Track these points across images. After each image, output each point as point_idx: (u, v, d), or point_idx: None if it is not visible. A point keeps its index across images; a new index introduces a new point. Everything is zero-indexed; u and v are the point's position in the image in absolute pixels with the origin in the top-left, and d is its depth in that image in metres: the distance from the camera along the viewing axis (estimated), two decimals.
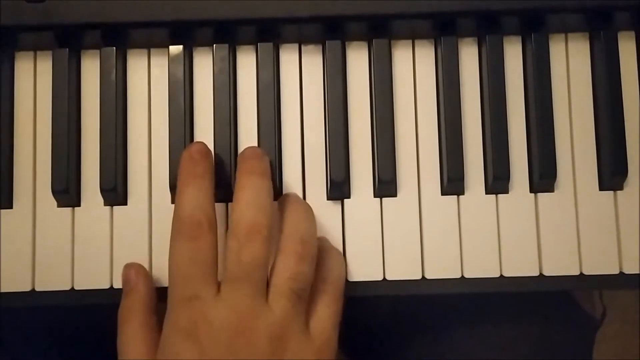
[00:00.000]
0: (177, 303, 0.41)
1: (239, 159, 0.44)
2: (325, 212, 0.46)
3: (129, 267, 0.45)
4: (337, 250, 0.45)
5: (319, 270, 0.43)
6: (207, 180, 0.43)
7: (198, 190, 0.42)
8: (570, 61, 0.47)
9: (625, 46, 0.47)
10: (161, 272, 0.46)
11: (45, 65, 0.47)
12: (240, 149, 0.46)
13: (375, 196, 0.46)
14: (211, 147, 0.46)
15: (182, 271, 0.41)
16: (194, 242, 0.41)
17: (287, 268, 0.41)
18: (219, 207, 0.46)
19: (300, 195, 0.47)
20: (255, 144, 0.46)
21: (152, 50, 0.48)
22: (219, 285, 0.41)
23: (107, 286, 0.46)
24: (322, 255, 0.44)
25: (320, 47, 0.48)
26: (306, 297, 0.42)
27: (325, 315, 0.42)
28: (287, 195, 0.45)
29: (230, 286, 0.41)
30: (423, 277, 0.46)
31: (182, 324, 0.40)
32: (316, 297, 0.43)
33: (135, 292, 0.44)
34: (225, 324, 0.40)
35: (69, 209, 0.46)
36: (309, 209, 0.44)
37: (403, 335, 0.57)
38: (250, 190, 0.41)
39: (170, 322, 0.41)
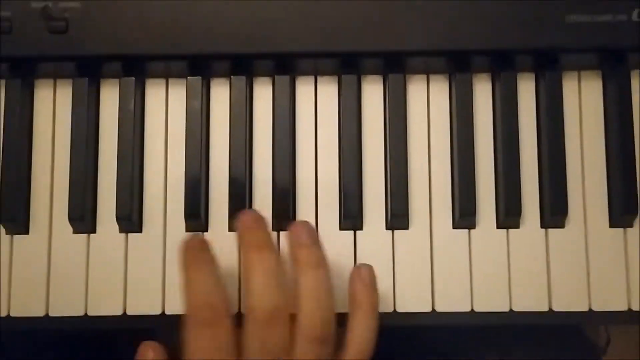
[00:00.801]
0: None
1: (236, 225, 0.42)
2: (337, 242, 0.47)
3: (146, 347, 0.43)
4: (366, 315, 0.43)
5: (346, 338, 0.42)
6: (212, 262, 0.41)
7: (207, 274, 0.41)
8: (583, 99, 0.48)
9: (638, 85, 0.48)
10: (175, 301, 0.46)
11: (64, 93, 0.48)
12: (256, 179, 0.47)
13: (387, 228, 0.47)
14: (226, 176, 0.47)
15: (200, 358, 0.40)
16: (211, 330, 0.40)
17: (309, 354, 0.40)
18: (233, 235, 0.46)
19: (313, 219, 0.47)
20: (270, 175, 0.47)
21: (170, 81, 0.48)
22: None
23: (120, 313, 0.46)
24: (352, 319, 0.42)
25: (336, 78, 0.48)
26: None
27: None
28: (298, 242, 0.42)
29: None
30: (433, 309, 0.46)
31: None
32: None
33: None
34: None
35: (85, 235, 0.47)
36: (323, 270, 0.42)
37: None
38: (263, 271, 0.40)
39: None
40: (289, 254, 0.42)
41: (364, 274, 0.43)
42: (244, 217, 0.42)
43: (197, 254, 0.42)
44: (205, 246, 0.42)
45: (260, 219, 0.42)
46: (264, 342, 0.39)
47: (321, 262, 0.42)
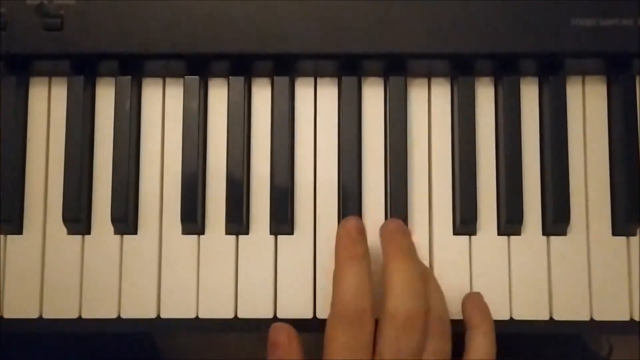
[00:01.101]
0: None
1: (383, 231, 0.44)
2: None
3: (280, 330, 0.43)
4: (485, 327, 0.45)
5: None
6: (366, 262, 0.42)
7: (360, 274, 0.42)
8: (587, 104, 0.47)
9: None
10: (170, 304, 0.45)
11: (59, 92, 0.47)
12: (253, 179, 0.46)
13: None
14: (224, 178, 0.46)
15: (340, 357, 0.41)
16: (355, 330, 0.41)
17: (437, 352, 0.42)
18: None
19: (311, 225, 0.46)
20: (268, 177, 0.46)
21: (167, 80, 0.47)
22: None
23: (114, 316, 0.46)
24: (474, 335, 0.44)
25: (335, 80, 0.47)
26: None
27: None
28: (425, 275, 0.44)
29: None
30: None
31: None
32: None
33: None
34: None
35: (79, 236, 0.46)
36: (433, 278, 0.45)
37: None
38: (406, 277, 0.41)
39: None
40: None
41: (476, 297, 0.45)
42: (391, 224, 0.44)
43: (353, 248, 0.42)
44: (362, 239, 0.43)
45: (405, 227, 0.44)
46: (399, 345, 0.41)
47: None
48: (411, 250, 0.43)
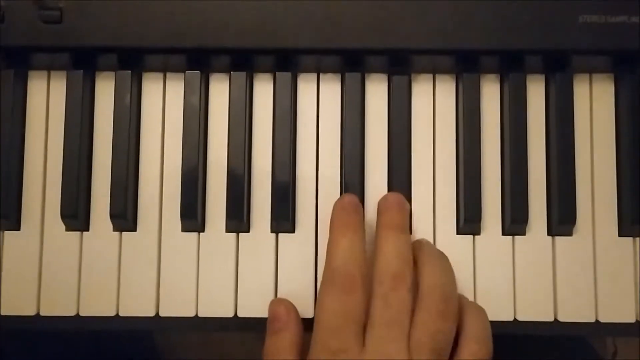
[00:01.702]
0: (323, 354, 0.41)
1: (380, 203, 0.44)
2: None
3: (278, 303, 0.44)
4: (477, 306, 0.44)
5: (462, 328, 0.42)
6: (360, 233, 0.43)
7: (352, 242, 0.42)
8: (594, 102, 0.46)
9: None
10: (169, 303, 0.45)
11: (58, 85, 0.47)
12: (254, 177, 0.46)
13: None
14: (224, 175, 0.45)
15: (331, 323, 0.41)
16: (346, 296, 0.41)
17: (429, 325, 0.41)
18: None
19: (312, 223, 0.46)
20: (270, 173, 0.46)
21: (168, 75, 0.47)
22: (363, 337, 0.41)
23: (112, 314, 0.45)
24: (463, 311, 0.43)
25: (339, 76, 0.47)
26: (446, 356, 0.41)
27: None
28: (420, 244, 0.44)
29: (376, 332, 0.40)
30: None
31: None
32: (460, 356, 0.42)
33: (286, 331, 0.43)
34: None
35: (77, 233, 0.46)
36: (446, 261, 0.44)
37: None
38: (393, 243, 0.42)
39: None
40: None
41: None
42: (390, 197, 0.44)
43: (348, 217, 0.43)
44: (358, 209, 0.43)
45: (402, 202, 0.44)
46: (386, 300, 0.40)
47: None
48: (403, 223, 0.43)
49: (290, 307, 0.44)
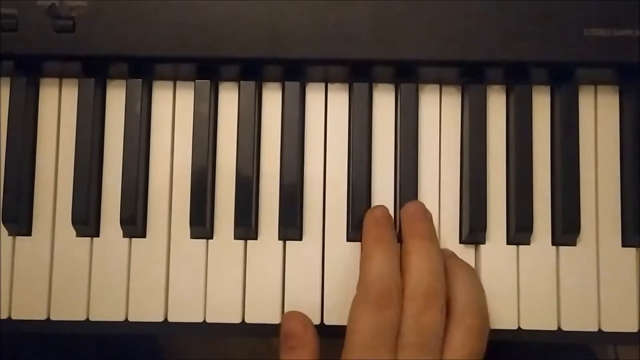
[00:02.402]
0: None
1: (403, 214, 0.44)
2: (346, 251, 0.46)
3: (292, 318, 0.43)
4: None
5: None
6: (394, 247, 0.42)
7: (387, 256, 0.41)
8: (599, 114, 0.47)
9: None
10: (178, 308, 0.45)
11: (70, 94, 0.47)
12: (263, 185, 0.46)
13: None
14: (233, 182, 0.46)
15: (365, 339, 0.40)
16: (382, 311, 0.40)
17: (465, 344, 0.40)
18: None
19: (320, 231, 0.46)
20: (277, 182, 0.46)
21: (178, 83, 0.47)
22: (395, 353, 0.40)
23: (122, 319, 0.46)
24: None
25: (346, 86, 0.47)
26: None
27: None
28: (452, 258, 0.44)
29: (408, 352, 0.40)
30: None
31: None
32: None
33: (303, 349, 0.42)
34: None
35: (88, 239, 0.46)
36: (476, 275, 0.44)
37: None
38: (426, 257, 0.41)
39: None
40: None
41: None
42: (411, 207, 0.44)
43: (380, 232, 0.42)
44: (391, 222, 0.43)
45: (425, 210, 0.44)
46: (418, 321, 0.40)
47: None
48: (431, 232, 0.43)
49: (307, 322, 0.43)
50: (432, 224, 0.44)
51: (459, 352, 0.40)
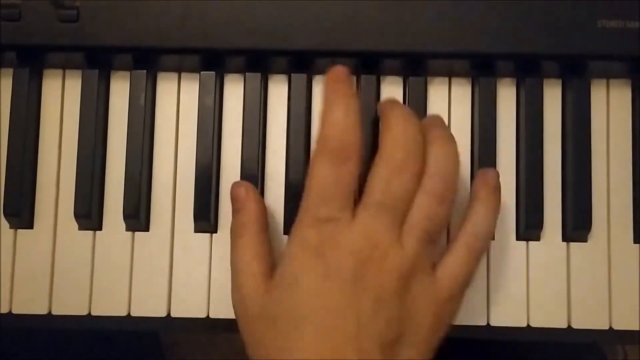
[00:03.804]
0: (310, 222, 0.40)
1: (381, 104, 0.43)
2: None
3: (238, 185, 0.44)
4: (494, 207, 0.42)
5: (467, 221, 0.41)
6: (355, 101, 0.40)
7: (347, 110, 0.40)
8: (611, 108, 0.46)
9: None
10: (181, 303, 0.45)
11: (73, 85, 0.46)
12: (268, 177, 0.46)
13: None
14: (238, 176, 0.45)
15: (322, 192, 0.39)
16: (340, 164, 0.39)
17: (425, 207, 0.39)
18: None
19: None
20: (283, 174, 0.45)
21: (183, 75, 0.47)
22: (353, 210, 0.40)
23: (124, 314, 0.45)
24: (475, 205, 0.42)
25: (354, 79, 0.46)
26: (437, 239, 0.40)
27: (456, 269, 0.40)
28: (433, 123, 0.43)
29: (370, 212, 0.39)
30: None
31: (313, 242, 0.39)
32: (453, 248, 0.41)
33: (246, 209, 0.43)
34: (356, 251, 0.38)
35: (90, 232, 0.46)
36: (454, 145, 0.42)
37: None
38: (402, 122, 0.40)
39: (298, 238, 0.40)
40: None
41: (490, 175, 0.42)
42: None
43: (342, 87, 0.41)
44: (351, 80, 0.41)
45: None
46: (389, 185, 0.39)
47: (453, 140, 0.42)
48: (409, 110, 0.42)
49: (249, 187, 0.43)
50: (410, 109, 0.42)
51: (416, 216, 0.39)
